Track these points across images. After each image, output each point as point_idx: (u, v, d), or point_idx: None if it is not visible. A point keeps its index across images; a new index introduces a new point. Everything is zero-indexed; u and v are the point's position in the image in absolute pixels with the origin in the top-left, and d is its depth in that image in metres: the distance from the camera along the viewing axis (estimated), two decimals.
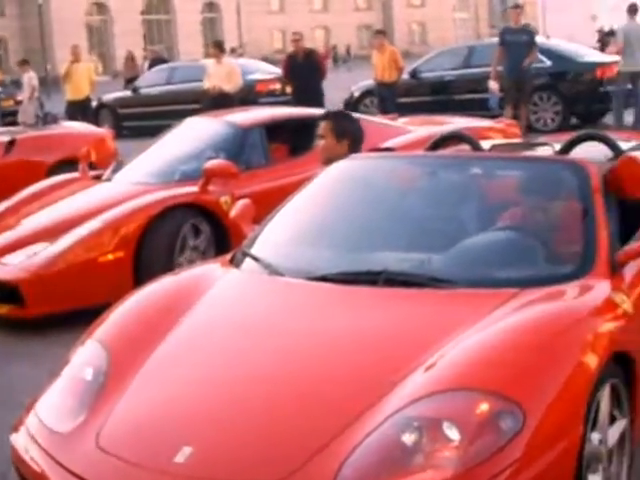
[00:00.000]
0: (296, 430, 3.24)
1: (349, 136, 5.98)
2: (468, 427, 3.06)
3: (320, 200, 5.07)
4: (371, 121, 9.56)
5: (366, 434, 3.12)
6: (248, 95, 19.93)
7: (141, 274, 7.02)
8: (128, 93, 22.98)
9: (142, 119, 21.39)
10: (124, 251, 7.18)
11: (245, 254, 4.59)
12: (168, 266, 7.01)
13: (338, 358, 3.60)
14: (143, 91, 22.09)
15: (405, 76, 17.38)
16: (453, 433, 3.05)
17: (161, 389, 3.63)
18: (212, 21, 67.09)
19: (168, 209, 7.42)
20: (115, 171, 8.67)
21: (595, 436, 3.42)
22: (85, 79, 18.03)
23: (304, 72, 15.18)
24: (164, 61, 32.47)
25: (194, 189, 7.68)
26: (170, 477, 3.14)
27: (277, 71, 22.12)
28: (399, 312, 3.89)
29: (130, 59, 34.63)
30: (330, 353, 3.65)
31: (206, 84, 15.78)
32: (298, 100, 14.46)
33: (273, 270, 4.35)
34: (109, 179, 8.54)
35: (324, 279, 4.17)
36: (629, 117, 16.40)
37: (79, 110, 17.92)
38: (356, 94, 18.54)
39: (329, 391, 3.40)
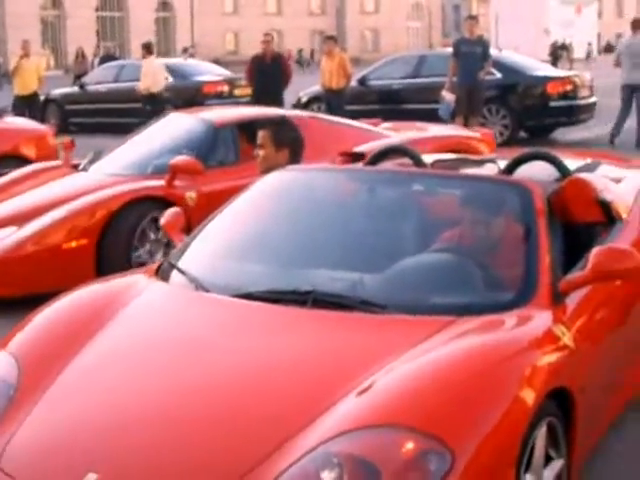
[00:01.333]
0: (210, 460, 3.03)
1: (289, 145, 5.86)
2: (391, 467, 2.87)
3: (252, 212, 4.87)
4: (348, 125, 9.87)
5: (284, 468, 2.93)
6: (195, 96, 19.84)
7: (103, 263, 7.36)
8: (75, 89, 22.84)
9: (88, 116, 21.39)
10: (87, 239, 7.41)
11: (171, 266, 4.38)
12: (126, 257, 7.44)
13: (258, 382, 3.40)
14: (90, 88, 21.91)
15: (354, 83, 17.18)
16: (374, 474, 2.85)
17: (69, 408, 3.41)
18: (166, 20, 66.65)
19: (133, 201, 7.64)
20: (92, 162, 8.92)
21: (529, 478, 3.23)
22: (34, 74, 18.03)
23: (269, 75, 14.94)
24: (114, 58, 32.22)
25: (162, 183, 7.88)
26: None
27: (226, 73, 22.07)
28: (327, 336, 3.69)
29: (80, 55, 34.37)
30: (250, 376, 3.44)
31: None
32: (257, 103, 14.06)
33: (199, 285, 4.15)
34: (85, 169, 8.81)
35: (251, 297, 3.96)
36: (583, 132, 16.45)
37: (26, 105, 17.90)
38: (304, 99, 18.30)
39: (247, 417, 3.20)
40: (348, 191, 4.83)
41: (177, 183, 7.87)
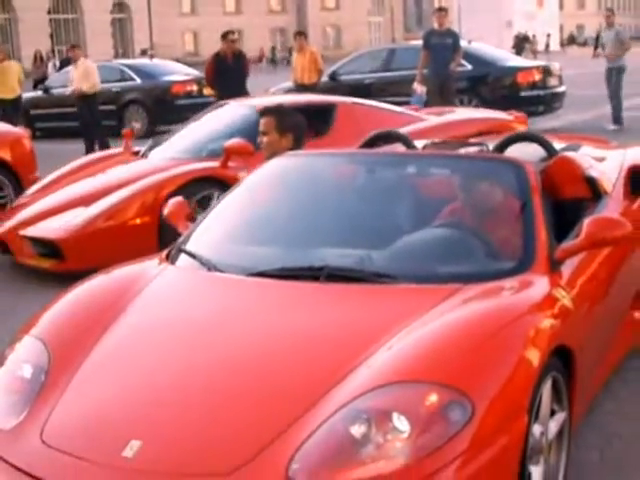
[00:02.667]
0: (245, 423, 3.22)
1: (293, 130, 6.05)
2: (418, 418, 3.07)
3: (257, 197, 5.06)
4: (389, 109, 10.69)
5: (315, 427, 3.12)
6: (164, 96, 19.92)
7: (163, 239, 7.83)
8: (39, 93, 22.56)
9: (54, 120, 21.13)
10: (150, 217, 8.17)
11: (182, 251, 4.56)
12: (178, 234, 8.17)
13: (284, 353, 3.59)
14: (55, 92, 21.56)
15: (325, 78, 17.34)
16: (403, 424, 3.06)
17: (105, 384, 3.58)
18: (122, 22, 66.19)
19: (192, 181, 8.44)
20: (151, 148, 9.85)
21: (537, 428, 3.48)
22: (15, 77, 17.92)
23: (232, 74, 14.91)
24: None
25: (216, 164, 8.71)
26: (118, 471, 3.11)
27: (194, 72, 22.07)
28: (343, 307, 3.89)
29: (38, 59, 34.03)
30: (276, 348, 3.63)
31: (69, 88, 16.87)
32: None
33: (212, 266, 4.32)
34: (145, 155, 9.73)
35: (264, 275, 4.15)
36: (552, 121, 16.83)
37: (12, 108, 17.88)
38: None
39: (276, 385, 3.40)
40: (348, 173, 5.04)
41: (231, 164, 8.57)
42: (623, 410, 4.79)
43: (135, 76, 20.83)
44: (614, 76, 16.26)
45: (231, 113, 10.07)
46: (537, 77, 16.33)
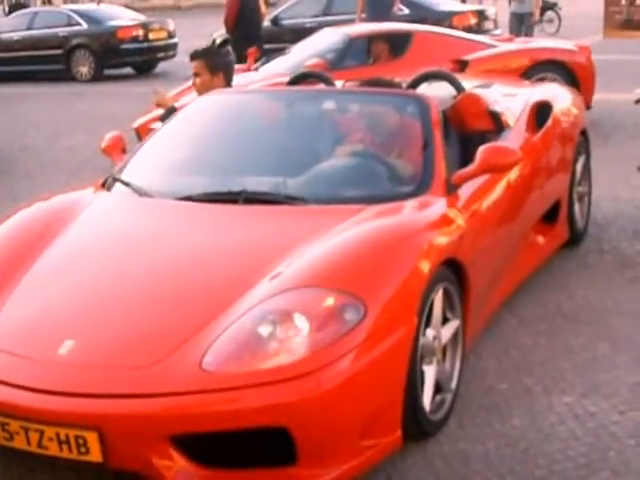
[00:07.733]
0: (166, 324, 3.65)
1: (222, 69, 6.44)
2: (316, 317, 3.49)
3: (186, 131, 5.45)
4: (461, 37, 12.20)
5: (226, 327, 3.53)
6: (110, 41, 20.08)
7: None
8: None
9: (3, 64, 21.19)
10: None
11: (116, 180, 4.96)
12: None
13: (202, 264, 4.02)
14: (3, 36, 21.53)
15: (266, 23, 17.47)
16: (302, 323, 3.47)
17: (44, 293, 4.00)
18: None
19: None
20: (263, 64, 12.19)
21: (430, 332, 3.92)
22: None
23: (253, 16, 15.04)
24: (24, 6, 31.90)
25: None
26: (54, 366, 3.53)
27: (140, 17, 22.12)
28: (257, 225, 4.32)
29: None
30: (195, 260, 4.06)
31: None
32: (241, 48, 12.87)
33: (143, 192, 4.76)
34: (257, 69, 11.96)
35: (190, 199, 4.58)
36: None
37: None
38: (218, 40, 18.47)
39: (194, 292, 3.81)
40: (269, 109, 5.43)
41: None
42: (523, 325, 5.21)
43: (82, 21, 20.89)
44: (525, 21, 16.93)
45: (326, 38, 12.15)
46: (472, 21, 16.58)
